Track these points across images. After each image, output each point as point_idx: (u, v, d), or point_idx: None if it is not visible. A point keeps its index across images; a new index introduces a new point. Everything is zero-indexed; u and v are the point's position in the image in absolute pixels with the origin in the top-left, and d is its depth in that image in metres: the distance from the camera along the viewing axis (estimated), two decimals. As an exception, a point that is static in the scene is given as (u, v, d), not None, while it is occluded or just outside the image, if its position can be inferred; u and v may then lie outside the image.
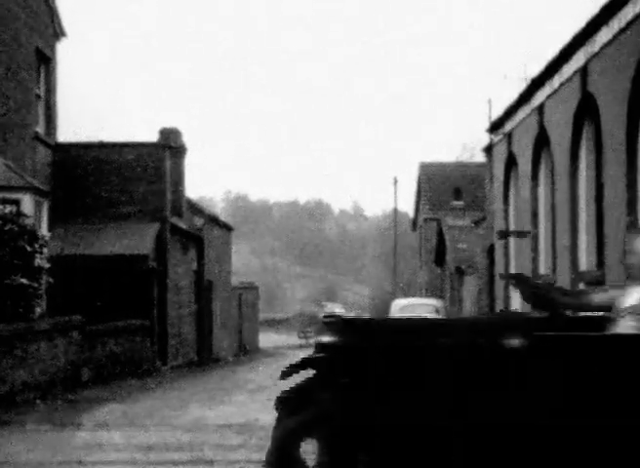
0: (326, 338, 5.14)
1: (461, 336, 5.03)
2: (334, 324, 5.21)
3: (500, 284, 22.65)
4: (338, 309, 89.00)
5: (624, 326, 5.17)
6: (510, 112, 21.30)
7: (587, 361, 4.88)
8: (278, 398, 5.16)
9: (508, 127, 21.78)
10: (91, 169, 23.00)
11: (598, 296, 5.58)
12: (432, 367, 4.98)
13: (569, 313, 5.58)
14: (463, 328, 5.26)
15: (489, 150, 24.49)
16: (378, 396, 4.96)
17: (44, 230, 17.84)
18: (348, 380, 5.00)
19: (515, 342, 4.86)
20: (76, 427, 10.95)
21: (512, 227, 22.52)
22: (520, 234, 20.39)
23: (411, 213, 57.59)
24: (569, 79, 16.39)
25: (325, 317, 5.39)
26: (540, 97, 18.57)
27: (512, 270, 22.42)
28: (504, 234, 21.26)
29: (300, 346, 46.22)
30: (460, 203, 47.12)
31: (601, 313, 5.49)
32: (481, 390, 4.89)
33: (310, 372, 5.17)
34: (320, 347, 5.16)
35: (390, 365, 5.01)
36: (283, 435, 5.06)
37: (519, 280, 5.47)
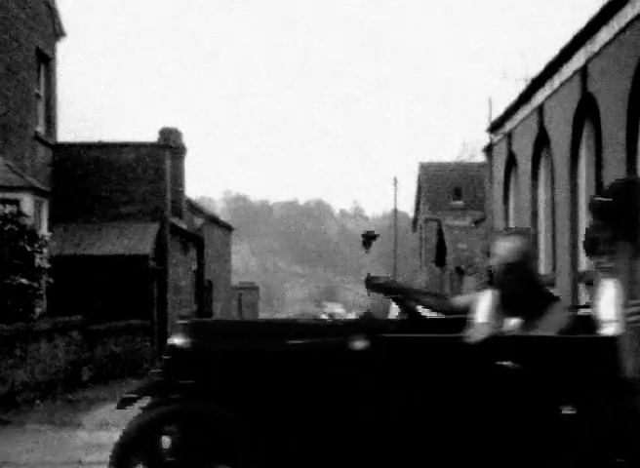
0: (175, 340, 5.25)
1: (308, 338, 5.18)
2: (184, 326, 5.31)
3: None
4: (337, 309, 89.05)
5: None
6: (510, 112, 21.29)
7: (423, 360, 5.07)
8: (122, 398, 5.30)
9: (508, 127, 21.77)
10: (91, 169, 22.99)
11: (460, 299, 5.76)
12: (278, 368, 5.11)
13: (429, 315, 5.80)
14: (310, 330, 5.39)
15: (489, 150, 24.48)
16: (221, 398, 5.06)
17: (44, 230, 17.84)
18: (192, 382, 5.12)
19: (358, 344, 5.00)
20: (76, 427, 10.95)
21: (512, 227, 22.50)
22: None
23: (411, 213, 57.60)
24: (569, 79, 16.38)
25: (180, 318, 5.51)
26: (539, 97, 18.57)
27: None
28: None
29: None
30: (460, 203, 47.11)
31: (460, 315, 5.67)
32: (326, 390, 5.04)
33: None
34: (168, 349, 5.29)
35: (236, 366, 5.13)
36: (128, 434, 5.16)
37: (377, 286, 5.68)
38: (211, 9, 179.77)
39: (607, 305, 5.31)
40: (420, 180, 50.82)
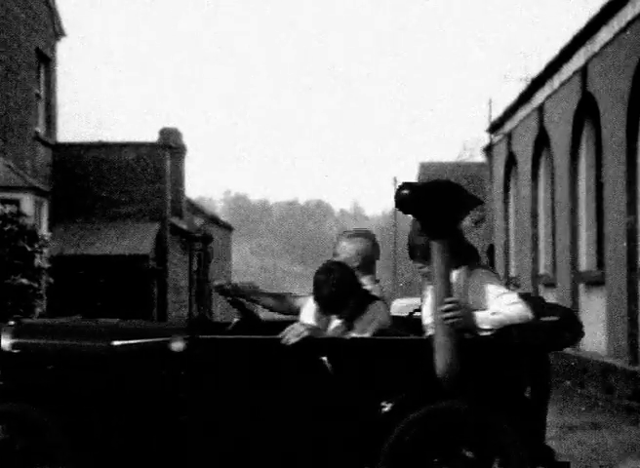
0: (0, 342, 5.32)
1: (129, 340, 5.26)
2: (9, 327, 5.38)
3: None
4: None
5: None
6: (510, 112, 21.30)
7: (240, 362, 5.16)
8: None
9: (508, 127, 21.78)
10: (91, 169, 22.99)
11: (299, 300, 5.83)
12: (100, 369, 5.16)
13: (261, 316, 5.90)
14: (137, 331, 5.46)
15: (489, 150, 24.49)
16: (40, 399, 5.11)
17: (44, 230, 17.84)
18: (6, 383, 5.18)
19: (176, 345, 5.11)
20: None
21: (512, 227, 22.52)
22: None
23: (411, 213, 57.50)
24: (569, 79, 16.39)
25: (11, 319, 5.55)
26: (539, 97, 18.58)
27: (513, 271, 22.42)
28: None
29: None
30: (460, 203, 47.02)
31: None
32: (147, 392, 5.12)
33: None
34: None
35: (57, 368, 5.18)
36: None
37: (221, 289, 5.77)
38: (211, 9, 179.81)
39: (428, 309, 5.35)
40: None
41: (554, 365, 16.49)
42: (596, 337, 14.94)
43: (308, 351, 5.06)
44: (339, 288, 5.19)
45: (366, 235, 5.64)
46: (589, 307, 15.67)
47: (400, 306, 29.23)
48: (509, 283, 22.19)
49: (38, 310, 16.00)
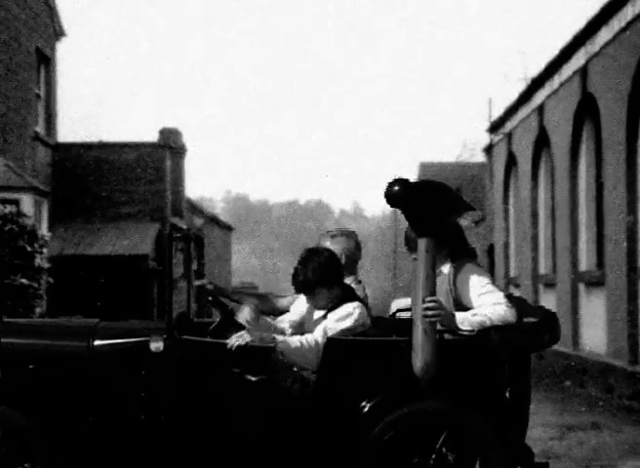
0: None
1: (110, 339, 5.28)
2: None
3: (499, 284, 22.68)
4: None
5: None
6: (510, 112, 21.31)
7: (209, 363, 5.15)
8: None
9: (508, 127, 21.79)
10: (91, 169, 22.97)
11: (283, 300, 5.83)
12: (81, 369, 5.16)
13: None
14: (119, 331, 5.47)
15: (489, 150, 24.50)
16: (17, 400, 5.11)
17: (44, 230, 17.84)
18: None
19: (154, 345, 5.13)
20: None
21: (512, 227, 22.52)
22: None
23: (411, 213, 57.43)
24: (569, 79, 16.39)
25: None
26: (539, 97, 18.58)
27: (513, 271, 22.42)
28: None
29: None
30: (460, 203, 47.01)
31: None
32: (128, 391, 5.13)
33: None
34: None
35: (36, 367, 5.18)
36: None
37: (202, 289, 5.99)
38: (211, 8, 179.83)
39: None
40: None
41: (554, 365, 16.51)
42: (596, 337, 14.94)
43: (244, 358, 5.04)
44: (320, 268, 5.17)
45: (349, 235, 5.66)
46: (589, 307, 15.67)
47: (399, 306, 29.36)
48: (509, 283, 22.19)
49: (38, 310, 16.00)
